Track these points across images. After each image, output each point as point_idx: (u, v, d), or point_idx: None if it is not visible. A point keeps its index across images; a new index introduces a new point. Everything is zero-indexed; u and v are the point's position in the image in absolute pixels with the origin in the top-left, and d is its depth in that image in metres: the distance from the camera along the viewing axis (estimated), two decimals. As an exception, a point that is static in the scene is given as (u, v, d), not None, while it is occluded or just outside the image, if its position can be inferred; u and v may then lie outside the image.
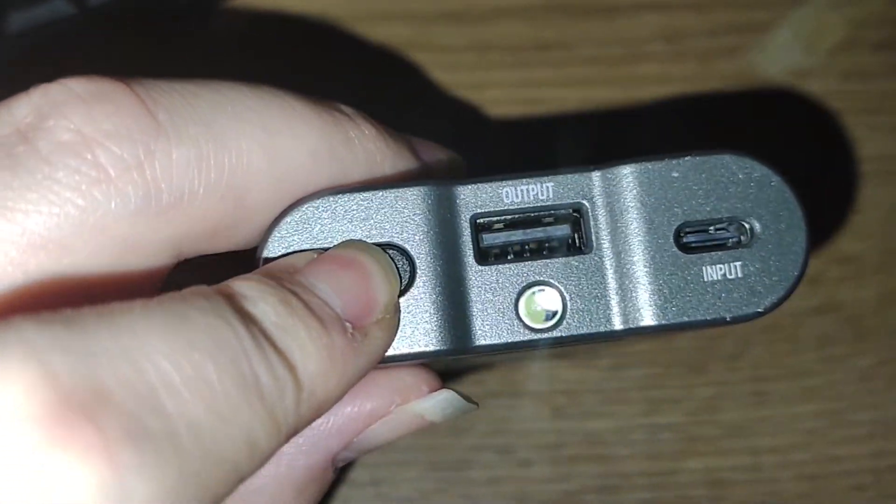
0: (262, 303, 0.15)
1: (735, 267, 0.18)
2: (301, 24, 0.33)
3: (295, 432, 0.15)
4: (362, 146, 0.18)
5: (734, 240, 0.18)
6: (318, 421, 0.18)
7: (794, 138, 0.34)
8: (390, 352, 0.18)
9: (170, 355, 0.13)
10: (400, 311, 0.18)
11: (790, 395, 0.32)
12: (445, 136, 0.33)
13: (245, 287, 0.15)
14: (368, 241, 0.18)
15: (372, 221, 0.18)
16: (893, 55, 0.34)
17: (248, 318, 0.15)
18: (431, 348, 0.18)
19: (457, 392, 0.20)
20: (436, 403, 0.20)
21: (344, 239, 0.18)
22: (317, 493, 0.20)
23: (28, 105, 0.16)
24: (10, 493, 0.12)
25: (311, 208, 0.18)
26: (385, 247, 0.18)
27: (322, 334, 0.16)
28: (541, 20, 0.34)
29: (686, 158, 0.18)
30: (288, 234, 0.18)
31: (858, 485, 0.32)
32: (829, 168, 0.34)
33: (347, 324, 0.16)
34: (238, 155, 0.17)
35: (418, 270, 0.18)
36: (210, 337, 0.14)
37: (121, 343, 0.13)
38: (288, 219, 0.18)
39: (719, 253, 0.18)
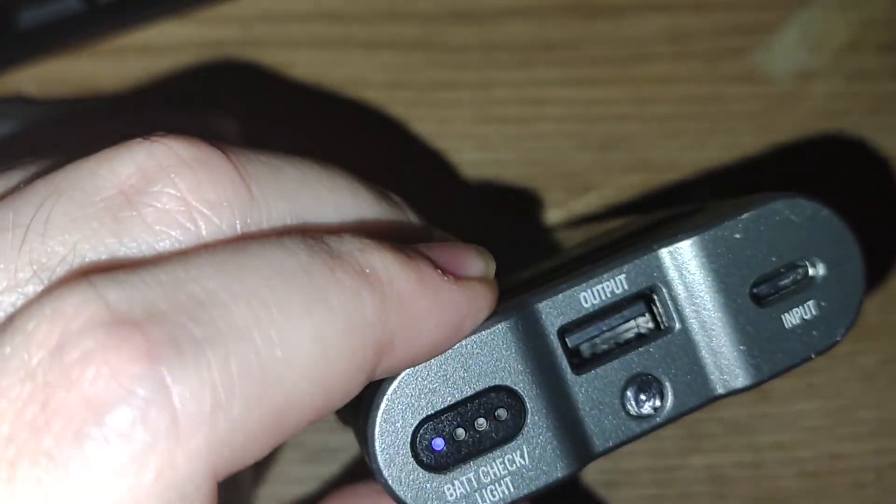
0: (342, 240, 0.15)
1: (809, 307, 0.18)
2: (306, 24, 0.34)
3: (385, 343, 0.15)
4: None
5: (803, 280, 0.19)
6: None
7: (800, 141, 0.34)
8: (524, 490, 0.18)
9: (215, 276, 0.14)
10: (497, 286, 0.18)
11: (793, 392, 0.33)
12: (452, 138, 0.33)
13: (322, 232, 0.16)
14: (472, 391, 0.17)
15: (469, 371, 0.18)
16: (899, 56, 0.35)
17: (316, 244, 0.15)
18: (557, 476, 0.18)
19: None
20: None
21: (450, 396, 0.17)
22: None
23: (132, 164, 0.15)
24: (56, 401, 0.13)
25: (409, 375, 0.17)
26: (490, 391, 0.18)
27: (408, 261, 0.16)
28: (547, 20, 0.34)
29: (743, 216, 0.18)
30: (394, 404, 0.17)
31: (860, 482, 0.32)
32: (832, 169, 0.34)
33: (438, 269, 0.16)
34: None
35: (527, 403, 0.18)
36: (264, 259, 0.14)
37: (174, 273, 0.14)
38: (392, 388, 0.17)
39: (793, 298, 0.18)
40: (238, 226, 0.16)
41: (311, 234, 0.15)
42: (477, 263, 0.17)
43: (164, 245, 0.15)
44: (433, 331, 0.16)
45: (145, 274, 0.14)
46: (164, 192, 0.15)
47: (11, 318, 0.14)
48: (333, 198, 0.17)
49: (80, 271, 0.14)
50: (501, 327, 0.18)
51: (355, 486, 0.21)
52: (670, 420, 0.18)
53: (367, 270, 0.15)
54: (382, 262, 0.15)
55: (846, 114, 0.34)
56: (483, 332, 0.18)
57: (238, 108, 0.31)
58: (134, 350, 0.13)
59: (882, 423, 0.33)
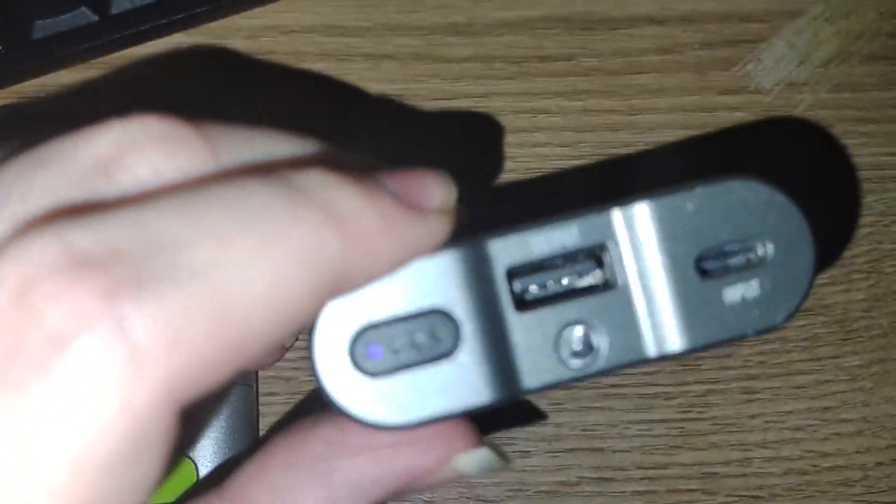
0: (304, 173, 0.16)
1: (752, 286, 0.19)
2: (311, 36, 0.35)
3: (343, 275, 0.16)
4: None
5: (749, 260, 0.19)
6: (370, 477, 0.19)
7: (788, 148, 0.35)
8: (450, 408, 0.18)
9: (177, 215, 0.14)
10: (457, 213, 0.18)
11: (780, 393, 0.33)
12: (451, 145, 0.34)
13: (286, 169, 0.16)
14: (414, 309, 0.18)
15: (415, 290, 0.18)
16: (885, 66, 0.35)
17: (280, 181, 0.15)
18: (486, 400, 0.18)
19: (493, 448, 0.21)
20: (473, 461, 0.20)
21: (392, 309, 0.18)
22: None
23: (109, 139, 0.16)
24: (23, 338, 0.13)
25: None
26: (430, 312, 0.18)
27: (372, 196, 0.16)
28: (543, 33, 0.35)
29: (697, 189, 0.19)
30: (338, 312, 0.18)
31: (846, 480, 0.33)
32: (820, 176, 0.35)
33: (400, 202, 0.17)
34: None
35: (463, 329, 0.18)
36: (226, 199, 0.15)
37: (137, 214, 0.14)
38: (333, 304, 0.18)
39: (737, 274, 0.19)
40: None
41: (276, 171, 0.16)
42: (439, 192, 0.18)
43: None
44: (389, 261, 0.17)
45: (110, 215, 0.14)
46: (137, 164, 0.16)
47: None
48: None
49: (48, 216, 0.15)
50: (451, 255, 0.18)
51: (298, 423, 0.21)
52: (601, 372, 0.19)
53: (330, 207, 0.16)
54: (346, 197, 0.16)
55: (834, 123, 0.35)
56: (433, 257, 0.18)
57: (244, 117, 0.32)
58: (95, 289, 0.13)
59: (867, 422, 0.33)
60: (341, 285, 0.16)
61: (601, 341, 0.19)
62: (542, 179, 0.34)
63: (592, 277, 0.19)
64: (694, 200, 0.19)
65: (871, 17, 0.36)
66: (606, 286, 0.19)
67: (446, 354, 0.18)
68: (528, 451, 0.33)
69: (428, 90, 0.35)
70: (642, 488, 0.33)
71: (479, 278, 0.19)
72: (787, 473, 0.33)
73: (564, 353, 0.19)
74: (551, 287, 0.19)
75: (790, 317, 0.19)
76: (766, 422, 0.33)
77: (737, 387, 0.33)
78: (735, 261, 0.19)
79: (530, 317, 0.19)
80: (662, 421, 0.33)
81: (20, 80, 0.34)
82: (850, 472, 0.33)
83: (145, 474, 0.14)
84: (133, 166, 0.16)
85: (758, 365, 0.34)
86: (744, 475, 0.33)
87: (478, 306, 0.19)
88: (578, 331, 0.19)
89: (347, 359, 0.18)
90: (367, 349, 0.18)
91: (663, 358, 0.19)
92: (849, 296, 0.34)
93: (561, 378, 0.19)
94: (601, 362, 0.19)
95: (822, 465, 0.33)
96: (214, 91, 0.34)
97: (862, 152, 0.35)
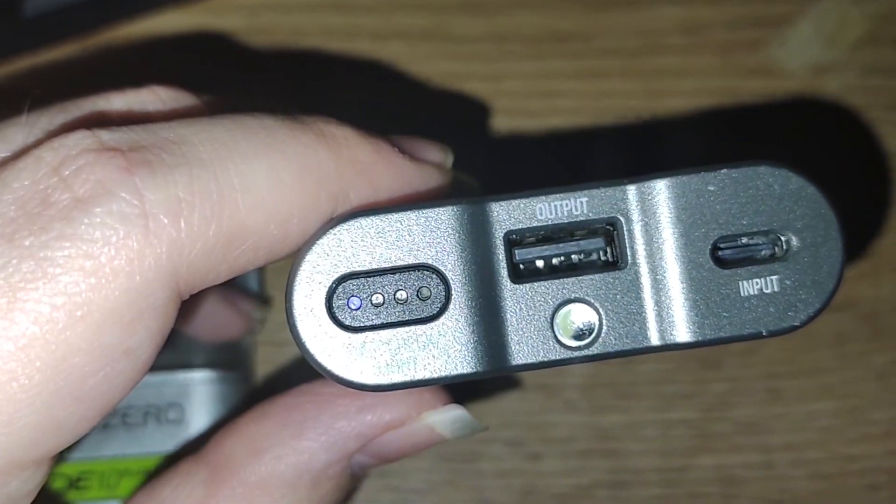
0: (312, 116, 0.19)
1: (772, 281, 0.18)
2: (314, 13, 0.33)
3: (340, 193, 0.18)
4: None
5: (770, 253, 0.18)
6: (341, 424, 0.20)
7: (815, 135, 0.34)
8: (429, 375, 0.17)
9: (188, 127, 0.17)
10: (450, 176, 0.20)
11: (805, 392, 0.32)
12: (463, 129, 0.33)
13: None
14: (401, 262, 0.17)
15: (405, 242, 0.17)
16: (917, 50, 0.34)
17: (286, 115, 0.18)
18: (469, 370, 0.17)
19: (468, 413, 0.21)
20: (446, 418, 0.20)
21: (378, 260, 0.17)
22: (332, 493, 0.21)
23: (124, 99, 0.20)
24: (53, 198, 0.16)
25: (343, 230, 0.17)
26: (419, 268, 0.17)
27: (368, 135, 0.19)
28: (558, 11, 0.34)
29: (722, 171, 0.18)
30: (320, 258, 0.17)
31: (873, 484, 0.32)
32: (849, 164, 0.34)
33: (396, 148, 0.19)
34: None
35: (453, 292, 0.17)
36: (232, 120, 0.18)
37: (156, 126, 0.17)
38: (320, 241, 0.17)
39: (756, 267, 0.18)
40: None
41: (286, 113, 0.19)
42: (435, 153, 0.20)
43: None
44: (386, 187, 0.19)
45: (134, 125, 0.17)
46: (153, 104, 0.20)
47: (27, 150, 0.17)
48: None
49: (81, 122, 0.18)
50: (449, 210, 0.17)
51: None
52: (596, 357, 0.18)
53: (327, 133, 0.18)
54: (342, 130, 0.18)
55: (862, 109, 0.34)
56: (429, 209, 0.17)
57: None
58: (116, 165, 0.16)
59: (896, 423, 0.32)
60: (338, 200, 0.18)
61: (601, 323, 0.18)
62: (554, 152, 0.33)
63: (598, 254, 0.18)
64: (717, 182, 0.18)
65: (902, -2, 0.34)
66: (613, 265, 0.18)
67: (432, 317, 0.17)
68: (540, 454, 0.32)
69: (437, 71, 0.33)
70: (659, 492, 0.32)
71: (477, 240, 0.18)
72: (812, 477, 0.32)
73: (559, 333, 0.18)
74: (552, 260, 0.18)
75: (811, 319, 0.18)
76: (791, 423, 0.32)
77: (760, 386, 0.32)
78: (755, 252, 0.18)
79: (526, 289, 0.18)
80: (681, 421, 0.32)
81: (11, 59, 0.33)
82: (877, 475, 0.32)
83: (140, 343, 0.16)
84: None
85: (782, 363, 0.32)
86: (766, 479, 0.32)
87: (471, 270, 0.17)
88: (577, 310, 0.18)
89: (324, 308, 0.17)
90: (347, 301, 0.17)
91: (667, 348, 0.18)
92: (878, 291, 0.33)
93: (552, 358, 0.18)
94: (598, 346, 0.18)
95: (848, 468, 0.32)
96: (210, 71, 0.33)
97: (892, 139, 0.33)
